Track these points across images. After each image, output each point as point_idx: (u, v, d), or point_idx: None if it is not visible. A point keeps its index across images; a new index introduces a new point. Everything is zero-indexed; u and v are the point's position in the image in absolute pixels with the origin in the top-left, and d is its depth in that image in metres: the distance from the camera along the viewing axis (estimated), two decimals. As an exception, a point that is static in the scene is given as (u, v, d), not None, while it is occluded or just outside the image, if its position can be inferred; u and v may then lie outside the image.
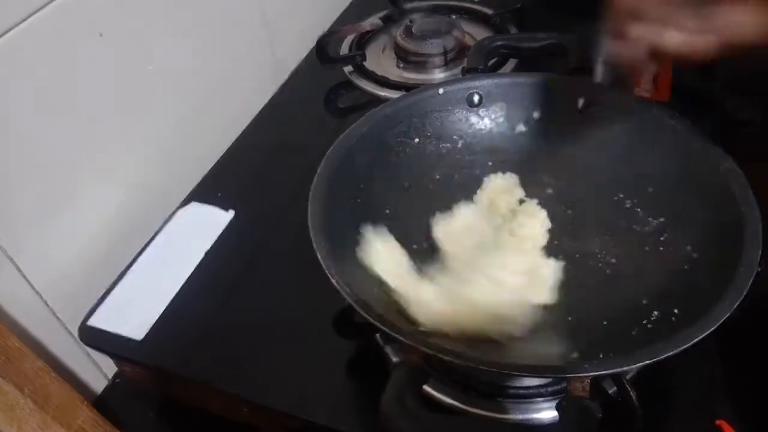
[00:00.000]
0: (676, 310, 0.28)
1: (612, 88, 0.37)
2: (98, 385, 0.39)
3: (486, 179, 0.38)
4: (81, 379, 0.38)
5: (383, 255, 0.31)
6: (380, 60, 0.55)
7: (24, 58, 0.31)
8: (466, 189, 0.38)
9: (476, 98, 0.39)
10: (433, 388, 0.30)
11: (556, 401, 0.27)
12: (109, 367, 0.40)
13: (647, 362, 0.24)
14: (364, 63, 0.53)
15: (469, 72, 0.41)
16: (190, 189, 0.44)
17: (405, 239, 0.35)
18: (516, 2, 0.57)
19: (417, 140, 0.38)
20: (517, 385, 0.30)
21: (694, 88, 0.47)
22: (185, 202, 0.43)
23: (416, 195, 0.38)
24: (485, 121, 0.40)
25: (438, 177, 0.39)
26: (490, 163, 0.39)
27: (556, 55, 0.42)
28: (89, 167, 0.37)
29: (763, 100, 0.45)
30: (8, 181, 0.32)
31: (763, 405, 0.31)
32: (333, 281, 0.27)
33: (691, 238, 0.31)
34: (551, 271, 0.33)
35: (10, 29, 0.30)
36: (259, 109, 0.51)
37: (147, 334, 0.35)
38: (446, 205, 0.37)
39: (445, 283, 0.31)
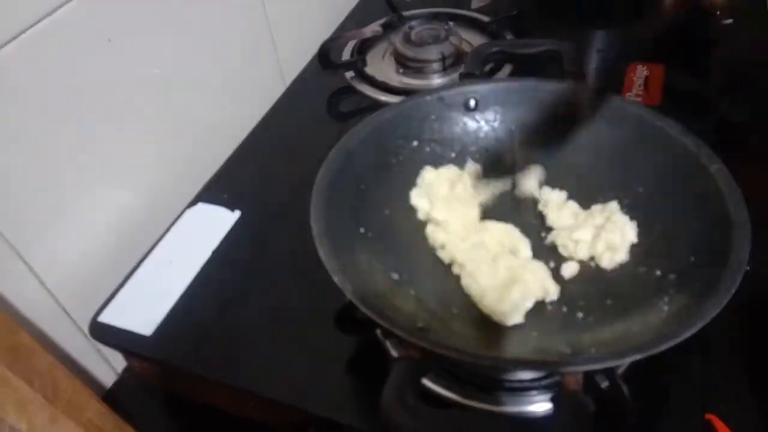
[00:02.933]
0: (666, 308, 0.29)
1: (605, 92, 0.38)
2: (108, 379, 0.40)
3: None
4: (91, 374, 0.38)
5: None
6: (380, 65, 0.56)
7: (35, 63, 0.32)
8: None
9: (472, 103, 0.39)
10: (432, 382, 0.31)
11: (551, 394, 0.27)
12: (118, 362, 0.40)
13: (637, 358, 0.25)
14: (365, 68, 0.54)
15: (466, 77, 0.42)
16: (197, 190, 0.44)
17: (405, 240, 0.36)
18: (512, 9, 0.57)
19: (415, 143, 0.39)
20: (513, 378, 0.31)
21: (687, 90, 0.48)
22: (192, 203, 0.43)
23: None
24: (481, 124, 0.40)
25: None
26: (486, 166, 0.40)
27: (551, 61, 0.43)
28: (99, 168, 0.38)
29: (756, 101, 0.46)
30: (19, 181, 0.33)
31: (753, 400, 0.31)
32: (335, 279, 0.28)
33: (682, 237, 0.32)
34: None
35: (20, 34, 0.31)
36: (264, 112, 0.52)
37: (156, 330, 0.35)
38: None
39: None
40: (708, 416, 0.29)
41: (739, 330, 0.33)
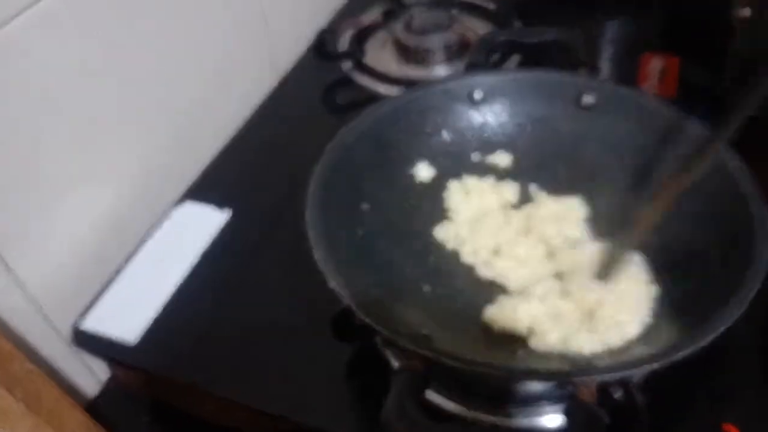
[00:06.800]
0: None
1: (616, 84, 0.36)
2: (91, 389, 0.39)
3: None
4: (74, 383, 0.38)
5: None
6: (380, 56, 0.54)
7: (18, 56, 0.31)
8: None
9: (478, 95, 0.39)
10: (435, 394, 0.30)
11: (563, 407, 0.26)
12: (102, 370, 0.39)
13: (654, 367, 0.24)
14: (364, 59, 0.53)
15: (471, 68, 0.41)
16: (185, 188, 0.43)
17: (406, 239, 0.35)
18: (519, -4, 0.56)
19: (417, 137, 0.38)
20: (522, 390, 0.30)
21: (702, 83, 0.47)
22: (180, 202, 0.42)
23: (416, 194, 0.37)
24: (487, 117, 0.39)
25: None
26: (490, 161, 0.39)
27: (560, 50, 0.42)
28: (82, 166, 0.37)
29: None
30: (-1, 180, 0.32)
31: (772, 410, 0.30)
32: (331, 283, 0.27)
33: (699, 238, 0.31)
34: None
35: (4, 25, 0.30)
36: (257, 105, 0.51)
37: (141, 338, 0.34)
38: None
39: None
40: (726, 426, 0.29)
41: (757, 336, 0.33)
